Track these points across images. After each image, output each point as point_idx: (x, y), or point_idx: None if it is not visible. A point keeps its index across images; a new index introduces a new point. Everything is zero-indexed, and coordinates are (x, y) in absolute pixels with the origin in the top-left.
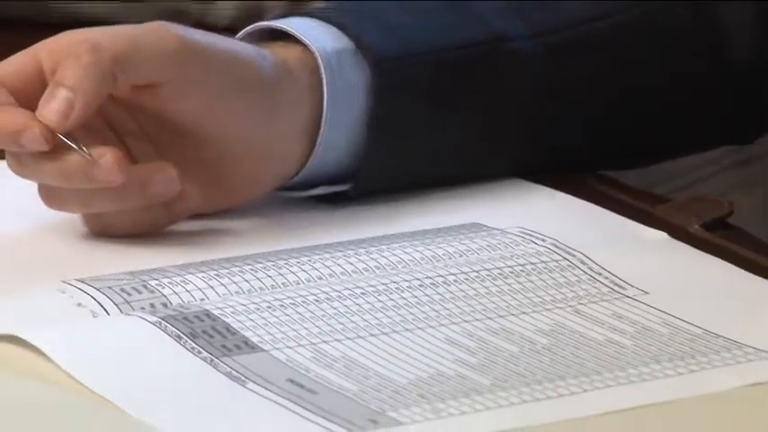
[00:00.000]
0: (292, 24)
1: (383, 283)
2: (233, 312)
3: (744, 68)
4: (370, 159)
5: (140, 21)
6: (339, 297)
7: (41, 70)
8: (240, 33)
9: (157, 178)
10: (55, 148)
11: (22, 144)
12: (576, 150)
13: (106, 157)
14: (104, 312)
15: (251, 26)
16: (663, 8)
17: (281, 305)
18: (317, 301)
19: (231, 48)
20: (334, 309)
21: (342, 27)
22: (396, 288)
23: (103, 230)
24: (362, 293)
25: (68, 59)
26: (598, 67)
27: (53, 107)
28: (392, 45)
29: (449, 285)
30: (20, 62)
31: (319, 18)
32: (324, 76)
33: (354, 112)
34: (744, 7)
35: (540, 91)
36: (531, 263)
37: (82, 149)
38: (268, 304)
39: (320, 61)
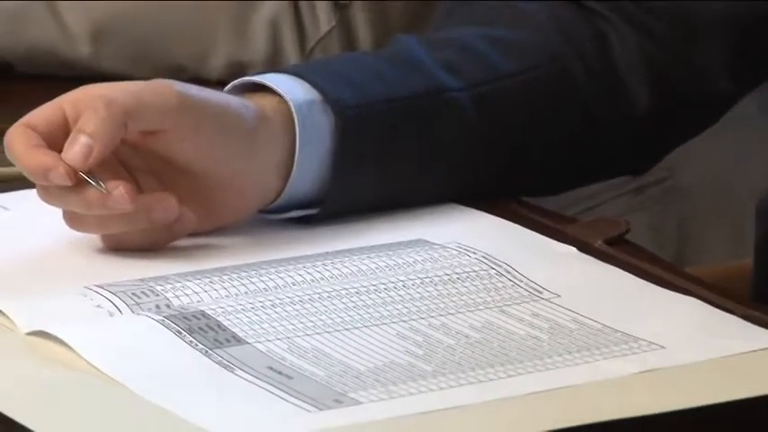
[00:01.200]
0: (271, 79)
1: (345, 288)
2: (223, 312)
3: (641, 113)
4: (334, 188)
5: (147, 76)
6: (310, 300)
7: (65, 118)
8: (228, 86)
9: (160, 206)
10: (77, 183)
11: (51, 180)
12: (499, 181)
13: (118, 189)
14: (119, 312)
15: (237, 80)
16: (573, 64)
17: (263, 306)
18: (291, 303)
19: (220, 101)
20: (306, 309)
21: (311, 82)
22: (355, 292)
23: (117, 246)
24: (328, 297)
25: (88, 111)
26: (517, 114)
27: (76, 150)
28: (352, 96)
29: (398, 290)
30: (48, 111)
31: (293, 74)
32: (296, 121)
33: (321, 150)
34: (639, 59)
35: (470, 133)
36: (466, 272)
37: (99, 184)
38: (252, 305)
39: (293, 109)
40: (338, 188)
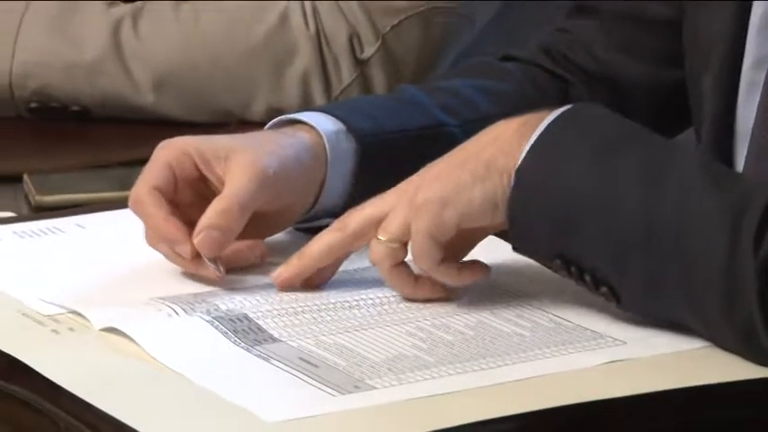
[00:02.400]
0: (305, 116)
1: (363, 299)
2: (262, 316)
3: None
4: (355, 201)
5: (201, 120)
6: (333, 308)
7: (174, 173)
8: (270, 123)
9: (252, 253)
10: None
11: (176, 251)
12: None
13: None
14: (176, 315)
15: (276, 118)
16: (538, 100)
17: (294, 312)
18: (318, 310)
19: (289, 156)
20: (329, 315)
21: (336, 116)
22: (372, 303)
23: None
24: (349, 306)
25: (220, 204)
26: None
27: (206, 242)
28: (370, 127)
29: (407, 302)
30: (158, 169)
31: (321, 111)
32: (327, 147)
33: (345, 170)
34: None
35: None
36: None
37: (218, 267)
38: (285, 311)
39: (324, 138)
40: (358, 201)
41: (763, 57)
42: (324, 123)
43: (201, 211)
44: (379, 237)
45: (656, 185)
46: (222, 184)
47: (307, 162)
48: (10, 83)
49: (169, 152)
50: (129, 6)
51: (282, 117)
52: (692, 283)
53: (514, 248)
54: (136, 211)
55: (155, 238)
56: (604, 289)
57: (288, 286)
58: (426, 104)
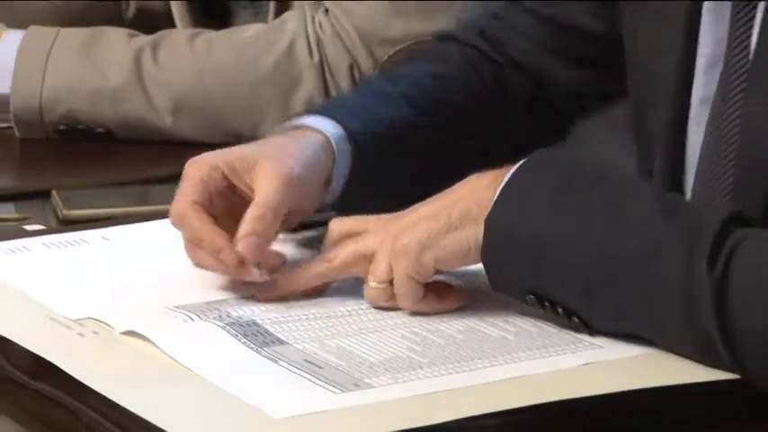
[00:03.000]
0: (313, 122)
1: (362, 308)
2: (270, 323)
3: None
4: (345, 197)
5: (215, 141)
6: (334, 315)
7: (207, 187)
8: (281, 126)
9: (273, 262)
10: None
11: (221, 259)
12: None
13: (265, 277)
14: (191, 320)
15: (288, 122)
16: (482, 89)
17: (299, 319)
18: (321, 317)
19: (311, 161)
20: (332, 322)
21: (336, 120)
22: (369, 310)
23: None
24: (348, 314)
25: (254, 212)
26: (456, 121)
27: (249, 248)
28: (361, 128)
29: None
30: (193, 185)
31: (321, 115)
32: (335, 149)
33: (344, 171)
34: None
35: (428, 145)
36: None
37: (261, 271)
38: (291, 318)
39: (332, 141)
40: (348, 196)
41: (707, 96)
42: (328, 127)
43: (233, 218)
44: (370, 282)
45: (614, 222)
46: (251, 191)
47: (322, 162)
48: (40, 107)
49: (201, 168)
50: (148, 37)
51: (289, 123)
52: (655, 309)
53: (492, 288)
54: (179, 226)
55: (195, 249)
56: (575, 320)
57: (271, 302)
58: (392, 96)
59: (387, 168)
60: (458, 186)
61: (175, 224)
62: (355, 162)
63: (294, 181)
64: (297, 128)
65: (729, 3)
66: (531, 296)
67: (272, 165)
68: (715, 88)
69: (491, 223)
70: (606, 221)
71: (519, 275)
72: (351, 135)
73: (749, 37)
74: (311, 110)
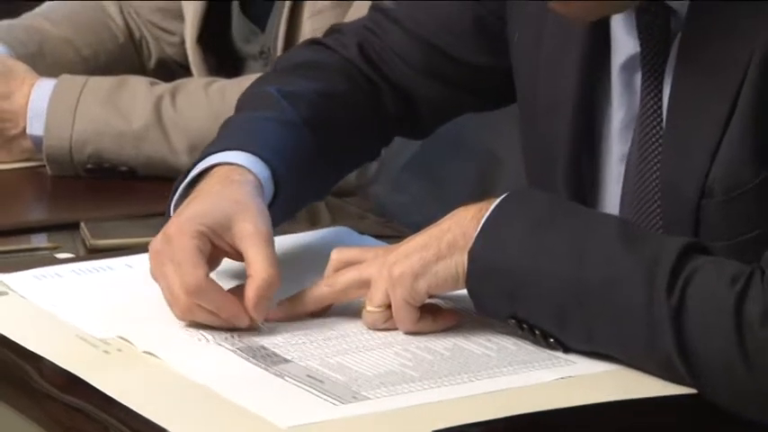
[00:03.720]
0: (242, 160)
1: (360, 329)
2: (275, 345)
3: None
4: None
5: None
6: (334, 337)
7: (204, 254)
8: (212, 159)
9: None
10: None
11: (234, 323)
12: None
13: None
14: (206, 340)
15: (215, 154)
16: (360, 97)
17: (303, 341)
18: (320, 339)
19: (259, 209)
20: (332, 341)
21: (262, 158)
22: (364, 330)
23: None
24: (345, 334)
25: (253, 282)
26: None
27: (260, 313)
28: (279, 162)
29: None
30: (197, 258)
31: (247, 151)
32: (264, 190)
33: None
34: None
35: (322, 161)
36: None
37: (261, 326)
38: (295, 341)
39: (263, 184)
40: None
41: (624, 153)
42: (260, 169)
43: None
44: (368, 307)
45: (582, 255)
46: (232, 247)
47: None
48: (70, 148)
49: (191, 238)
50: (168, 85)
51: (223, 157)
52: (620, 333)
53: (476, 312)
54: (198, 299)
55: (195, 311)
56: (552, 341)
57: (275, 321)
58: (299, 124)
59: (297, 194)
60: (446, 218)
61: (193, 296)
62: (276, 196)
63: (269, 235)
64: (234, 168)
65: (639, 73)
66: (512, 320)
67: (250, 229)
68: (628, 147)
69: (473, 255)
70: (573, 256)
71: (499, 302)
72: (275, 175)
73: (660, 104)
74: (232, 138)
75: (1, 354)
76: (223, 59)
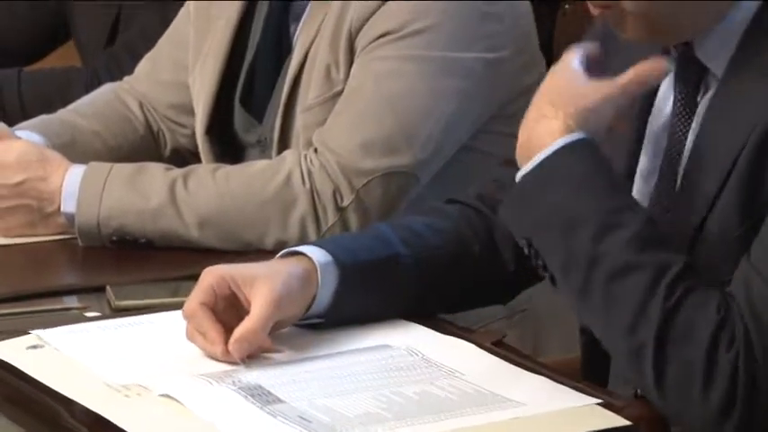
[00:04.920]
0: (306, 249)
1: (345, 375)
2: (271, 384)
3: (509, 271)
4: (334, 310)
5: (230, 248)
6: (322, 378)
7: (215, 292)
8: (281, 252)
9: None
10: None
11: (211, 350)
12: (426, 307)
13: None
14: (211, 384)
15: (285, 250)
16: (472, 242)
17: (294, 382)
18: (308, 380)
19: (288, 283)
20: (318, 384)
21: (327, 250)
22: (347, 374)
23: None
24: (332, 377)
25: (247, 322)
26: (437, 270)
27: (237, 351)
28: (350, 259)
29: (373, 374)
30: (204, 290)
31: (317, 246)
32: (319, 275)
33: (330, 291)
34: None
35: (417, 283)
36: (410, 364)
37: (242, 361)
38: (288, 381)
39: (318, 269)
40: (337, 310)
41: (641, 201)
42: (318, 255)
43: (233, 312)
44: None
45: (606, 231)
46: (248, 302)
47: (305, 287)
48: (98, 224)
49: (212, 277)
50: (181, 170)
51: (290, 249)
52: (610, 308)
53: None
54: (188, 319)
55: (194, 334)
56: (548, 274)
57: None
58: (391, 239)
59: (369, 291)
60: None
61: (186, 318)
62: (342, 285)
63: (280, 302)
64: (293, 254)
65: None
66: (525, 242)
67: (266, 288)
68: (648, 199)
69: (523, 182)
70: (599, 229)
71: (525, 223)
72: (339, 264)
73: (683, 150)
74: (313, 242)
75: (37, 397)
76: (227, 148)
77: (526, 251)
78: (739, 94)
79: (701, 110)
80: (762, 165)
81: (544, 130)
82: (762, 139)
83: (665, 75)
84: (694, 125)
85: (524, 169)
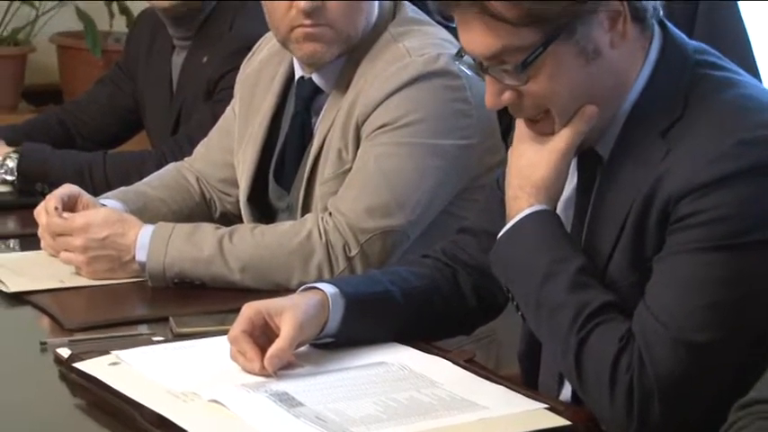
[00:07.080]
0: (319, 285)
1: (353, 384)
2: (295, 392)
3: (471, 306)
4: (342, 332)
5: (263, 288)
6: (333, 386)
7: (252, 322)
8: (300, 288)
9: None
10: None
11: (250, 368)
12: (411, 333)
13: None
14: (249, 392)
15: (304, 286)
16: (445, 285)
17: (313, 389)
18: (324, 387)
19: (308, 310)
20: (330, 391)
21: (335, 285)
22: (353, 384)
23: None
24: (342, 385)
25: (278, 342)
26: (417, 305)
27: (271, 365)
28: (353, 292)
29: (372, 383)
30: (244, 320)
31: (328, 282)
32: (330, 303)
33: (338, 316)
34: (470, 287)
35: (403, 312)
36: (402, 377)
37: (273, 374)
38: (308, 389)
39: (329, 298)
40: (344, 333)
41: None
42: (329, 289)
43: (265, 339)
44: None
45: (549, 277)
46: (278, 327)
47: (320, 313)
48: (163, 269)
49: (251, 310)
50: (227, 228)
51: (308, 285)
52: (552, 338)
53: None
54: (232, 344)
55: (236, 354)
56: (520, 312)
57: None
58: (383, 280)
59: (367, 316)
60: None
61: (230, 342)
62: (347, 312)
63: (302, 327)
64: (310, 288)
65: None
66: (505, 288)
67: (291, 316)
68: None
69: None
70: (546, 276)
71: (502, 276)
72: (343, 293)
73: (591, 189)
74: (325, 280)
75: (116, 402)
76: (263, 212)
77: (507, 295)
78: (620, 175)
79: (597, 185)
80: (642, 230)
81: (515, 205)
82: (641, 211)
83: (594, 118)
84: (593, 199)
85: (501, 232)
